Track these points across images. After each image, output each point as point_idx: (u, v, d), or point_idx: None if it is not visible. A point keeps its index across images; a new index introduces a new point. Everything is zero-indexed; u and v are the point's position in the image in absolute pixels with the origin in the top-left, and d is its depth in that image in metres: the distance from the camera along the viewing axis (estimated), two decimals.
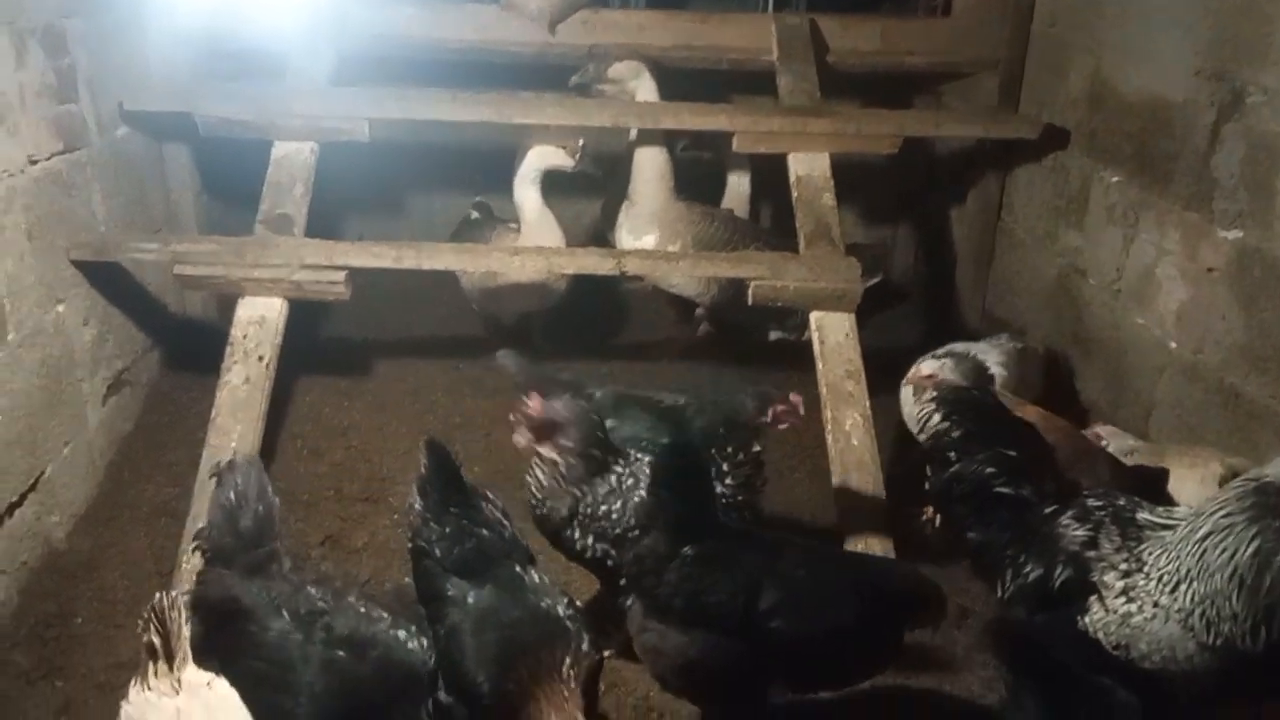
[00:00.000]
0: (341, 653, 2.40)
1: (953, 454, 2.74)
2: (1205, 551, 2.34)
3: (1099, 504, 2.59)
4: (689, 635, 2.64)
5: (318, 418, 4.55)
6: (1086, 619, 2.51)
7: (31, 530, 3.54)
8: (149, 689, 2.12)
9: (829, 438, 3.96)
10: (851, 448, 3.91)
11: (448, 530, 2.75)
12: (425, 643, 2.55)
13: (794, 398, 3.20)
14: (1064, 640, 2.48)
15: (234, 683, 2.38)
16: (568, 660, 2.45)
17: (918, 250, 5.98)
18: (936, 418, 2.78)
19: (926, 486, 2.84)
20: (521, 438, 3.06)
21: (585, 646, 2.53)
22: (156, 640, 2.12)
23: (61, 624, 3.40)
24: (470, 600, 2.62)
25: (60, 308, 3.81)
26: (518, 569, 2.70)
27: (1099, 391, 4.30)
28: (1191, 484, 3.29)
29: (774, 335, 5.29)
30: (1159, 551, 2.42)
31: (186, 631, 2.13)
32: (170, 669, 2.11)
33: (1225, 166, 3.64)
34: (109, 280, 4.18)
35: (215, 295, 4.85)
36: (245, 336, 3.98)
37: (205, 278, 4.04)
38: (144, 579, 3.60)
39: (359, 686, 2.38)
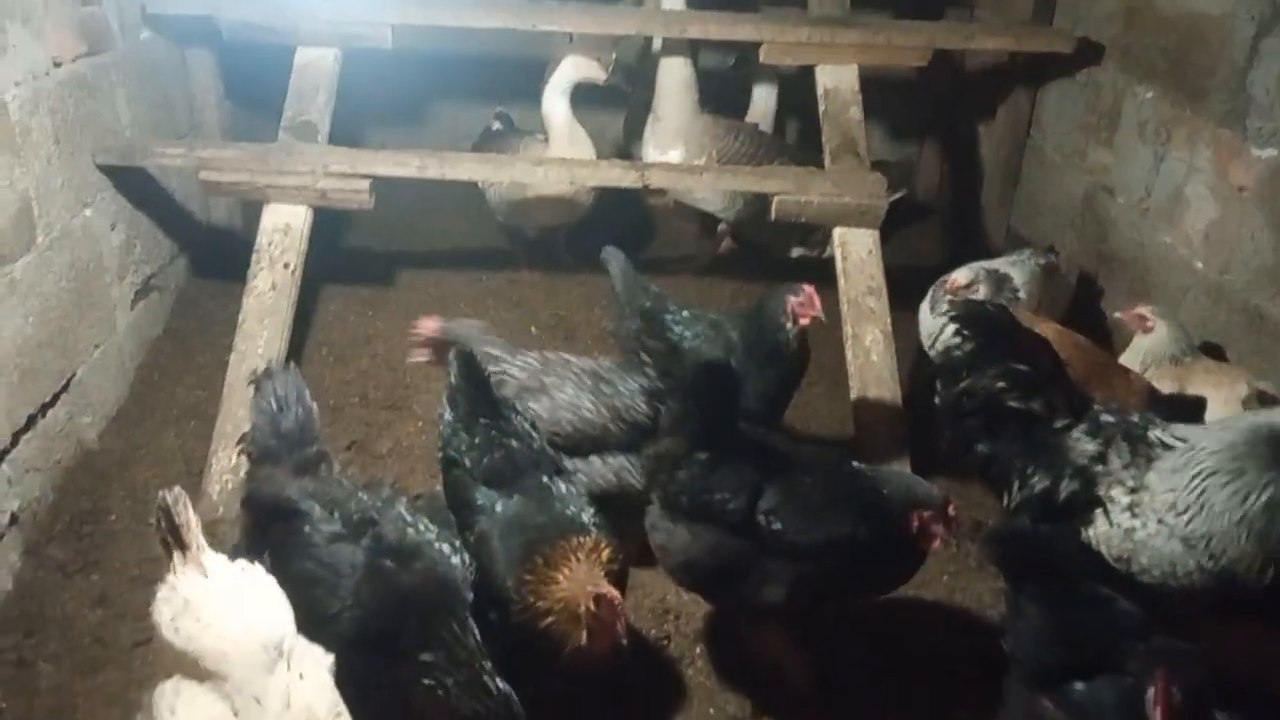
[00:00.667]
0: (388, 561, 2.45)
1: (964, 369, 2.75)
2: (1214, 490, 2.37)
3: (1111, 419, 2.61)
4: (693, 532, 2.73)
5: (343, 326, 4.60)
6: (1090, 531, 2.55)
7: (64, 430, 3.63)
8: (176, 578, 2.16)
9: (849, 353, 3.98)
10: (871, 364, 3.93)
11: (477, 440, 2.79)
12: (467, 559, 2.59)
13: (807, 288, 3.26)
14: (1065, 551, 2.52)
15: (283, 581, 2.42)
16: (586, 542, 2.51)
17: (943, 167, 5.91)
18: (950, 331, 2.78)
19: (936, 400, 2.86)
20: (420, 356, 3.30)
21: (608, 537, 2.58)
22: (169, 537, 2.16)
23: (96, 521, 3.50)
24: (499, 509, 2.67)
25: (88, 212, 3.84)
26: (545, 479, 2.74)
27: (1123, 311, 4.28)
28: (1217, 404, 3.30)
29: (796, 253, 5.28)
30: (1169, 472, 2.44)
31: (195, 521, 2.17)
32: (186, 556, 2.15)
33: (1262, 83, 3.56)
34: (135, 186, 4.20)
35: (240, 202, 4.88)
36: (271, 244, 4.01)
37: (230, 184, 4.06)
38: (175, 478, 3.68)
39: (402, 595, 2.41)
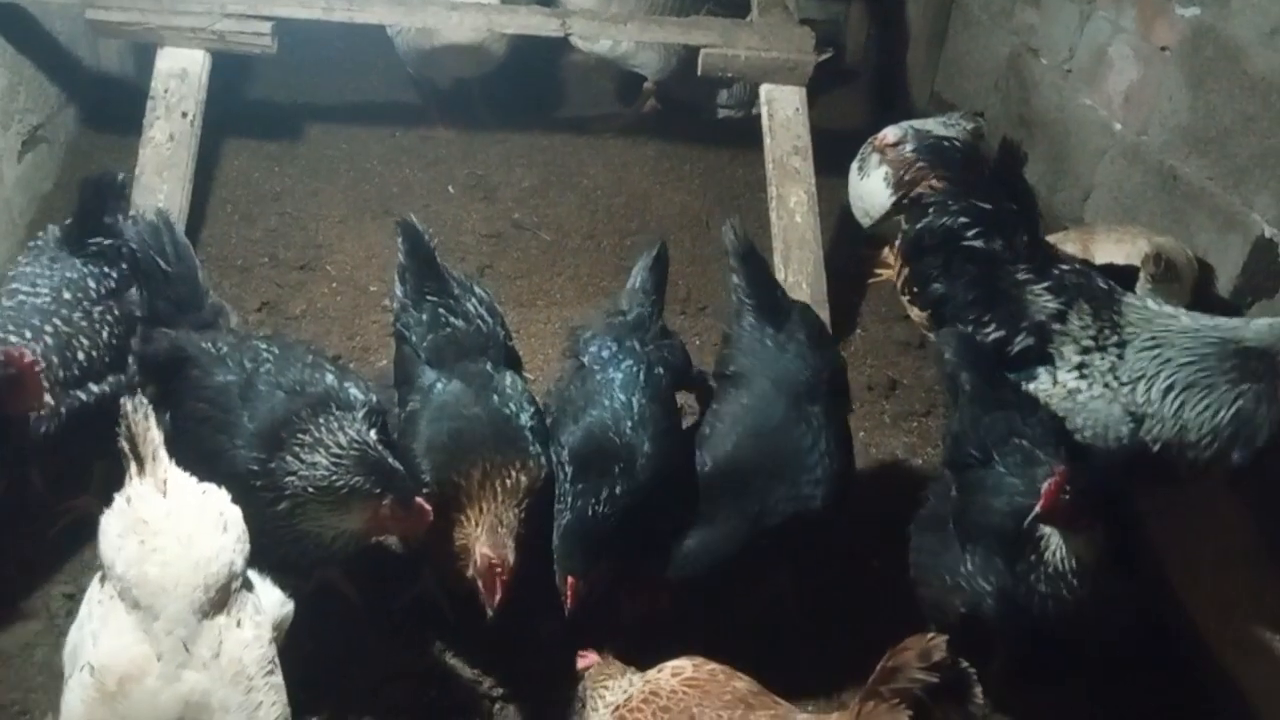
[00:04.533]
0: (281, 394, 2.40)
1: (929, 205, 2.74)
2: (1189, 404, 2.44)
3: (1076, 280, 2.62)
4: None
5: (248, 182, 4.38)
6: (1033, 385, 2.60)
7: None
8: (132, 492, 2.03)
9: (772, 215, 3.95)
10: (795, 225, 3.90)
11: (424, 317, 2.71)
12: (368, 387, 2.57)
13: None
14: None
15: (178, 424, 2.42)
16: (514, 469, 2.45)
17: (869, 29, 5.80)
18: (920, 165, 2.75)
19: (890, 249, 2.85)
20: None
21: (537, 459, 2.51)
22: (126, 445, 2.04)
23: None
24: (436, 389, 2.60)
25: None
26: (489, 367, 2.66)
27: (1040, 175, 4.31)
28: (1119, 261, 3.36)
29: (722, 113, 5.17)
30: (1130, 346, 2.49)
31: (156, 434, 2.05)
32: (144, 470, 2.03)
33: None
34: (16, 26, 3.89)
35: (133, 47, 4.56)
36: (167, 91, 3.78)
37: (120, 24, 3.78)
38: None
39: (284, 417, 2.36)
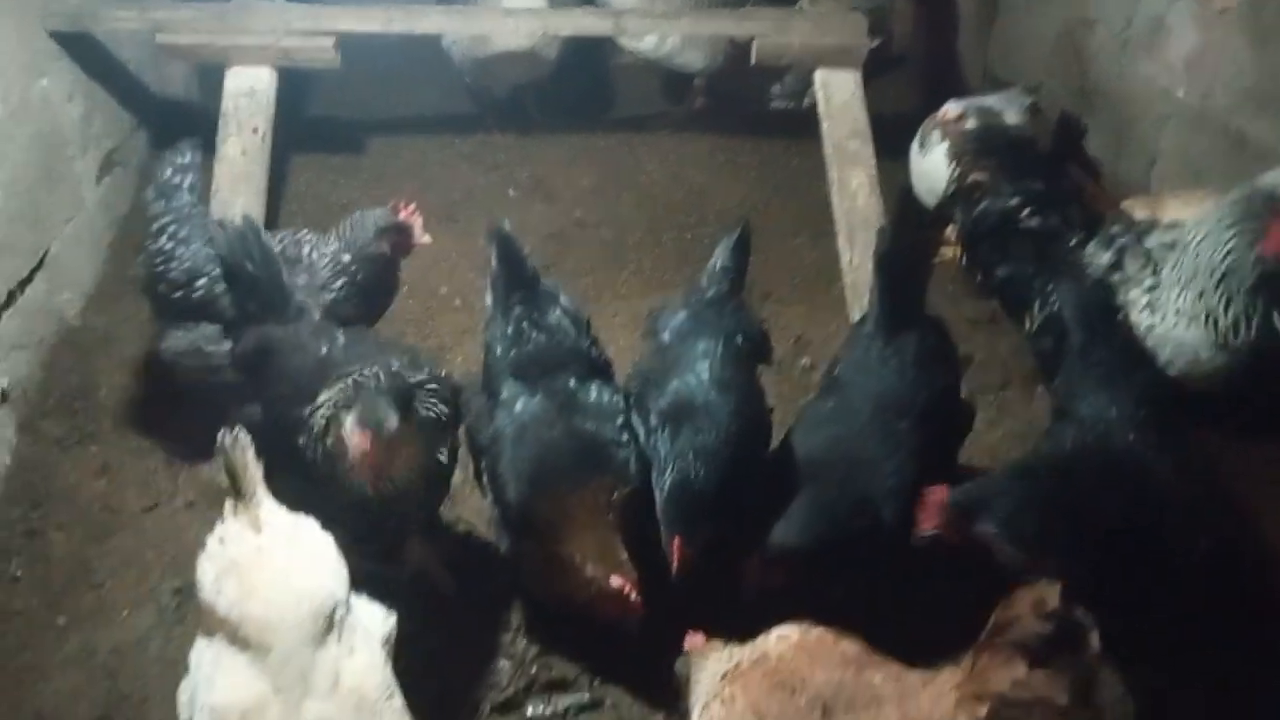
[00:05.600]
0: (355, 363, 2.44)
1: (980, 192, 2.76)
2: (1198, 255, 2.46)
3: (1121, 228, 2.64)
4: None
5: (316, 195, 4.49)
6: None
7: (44, 307, 3.56)
8: (225, 532, 2.04)
9: (834, 199, 3.97)
10: (857, 208, 3.92)
11: (509, 330, 2.72)
12: (442, 371, 2.62)
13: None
14: None
15: (266, 409, 2.52)
16: (603, 490, 2.45)
17: (917, 11, 5.79)
18: (968, 155, 2.78)
19: (953, 227, 2.87)
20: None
21: (625, 471, 2.51)
22: (226, 480, 2.05)
23: (86, 396, 3.47)
24: (518, 407, 2.60)
25: (44, 81, 3.68)
26: (573, 383, 2.64)
27: (1102, 146, 4.27)
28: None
29: (777, 104, 5.19)
30: (1172, 262, 2.50)
31: (256, 468, 2.06)
32: (243, 505, 2.04)
33: None
34: (89, 55, 4.02)
35: (197, 72, 4.69)
36: (237, 108, 3.89)
37: (189, 46, 3.91)
38: None
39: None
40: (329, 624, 1.95)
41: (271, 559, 1.99)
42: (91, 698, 2.46)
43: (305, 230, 3.24)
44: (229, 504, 2.04)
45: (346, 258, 3.10)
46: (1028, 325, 2.77)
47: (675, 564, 2.36)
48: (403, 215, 3.17)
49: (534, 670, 2.53)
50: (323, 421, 2.36)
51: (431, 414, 2.47)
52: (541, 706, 2.45)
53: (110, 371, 3.56)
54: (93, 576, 2.84)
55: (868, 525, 2.46)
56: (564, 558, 2.40)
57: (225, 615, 1.93)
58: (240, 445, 2.04)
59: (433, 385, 2.51)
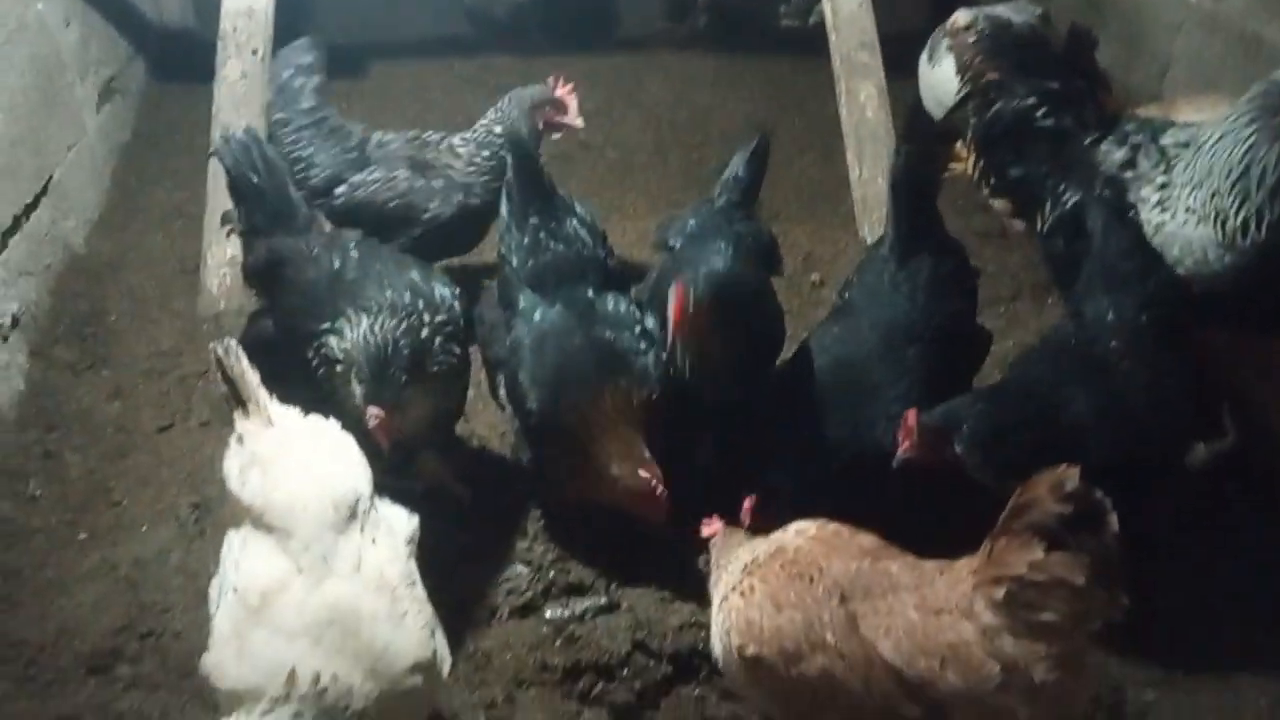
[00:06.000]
0: (369, 281, 2.47)
1: (992, 93, 2.71)
2: (1214, 154, 2.41)
3: (1136, 125, 2.60)
4: None
5: None
6: None
7: (50, 234, 3.54)
8: (242, 431, 2.07)
9: (842, 112, 3.91)
10: (866, 120, 3.86)
11: (525, 240, 2.68)
12: (456, 291, 2.60)
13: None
14: None
15: (278, 321, 2.54)
16: (625, 394, 2.45)
17: None
18: (980, 55, 2.72)
19: (968, 131, 2.83)
20: None
21: (646, 375, 2.50)
22: (225, 389, 2.09)
23: (97, 322, 3.46)
24: (537, 317, 2.58)
25: (40, 5, 3.63)
26: (590, 292, 2.62)
27: (1113, 56, 4.21)
28: None
29: (785, 23, 5.11)
30: (1186, 160, 2.46)
31: (252, 373, 2.08)
32: (248, 411, 2.07)
33: None
34: None
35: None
36: (235, 29, 3.80)
37: None
38: (170, 277, 3.65)
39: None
40: (351, 513, 1.97)
41: (291, 451, 2.02)
42: (114, 609, 2.48)
43: (429, 130, 3.36)
44: (238, 411, 2.08)
45: (498, 130, 3.20)
46: (1039, 226, 2.74)
47: (676, 308, 2.34)
48: (559, 91, 3.24)
49: (551, 575, 2.54)
50: (335, 367, 2.37)
51: (444, 366, 2.47)
52: (559, 610, 2.47)
53: (119, 298, 3.56)
54: (111, 495, 2.85)
55: (869, 450, 2.44)
56: (590, 460, 2.42)
57: (250, 504, 1.97)
58: (234, 352, 2.08)
59: (447, 326, 2.49)
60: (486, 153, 3.23)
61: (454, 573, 2.52)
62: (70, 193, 3.68)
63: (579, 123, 3.28)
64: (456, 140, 3.29)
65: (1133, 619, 1.82)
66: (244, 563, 1.92)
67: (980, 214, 3.91)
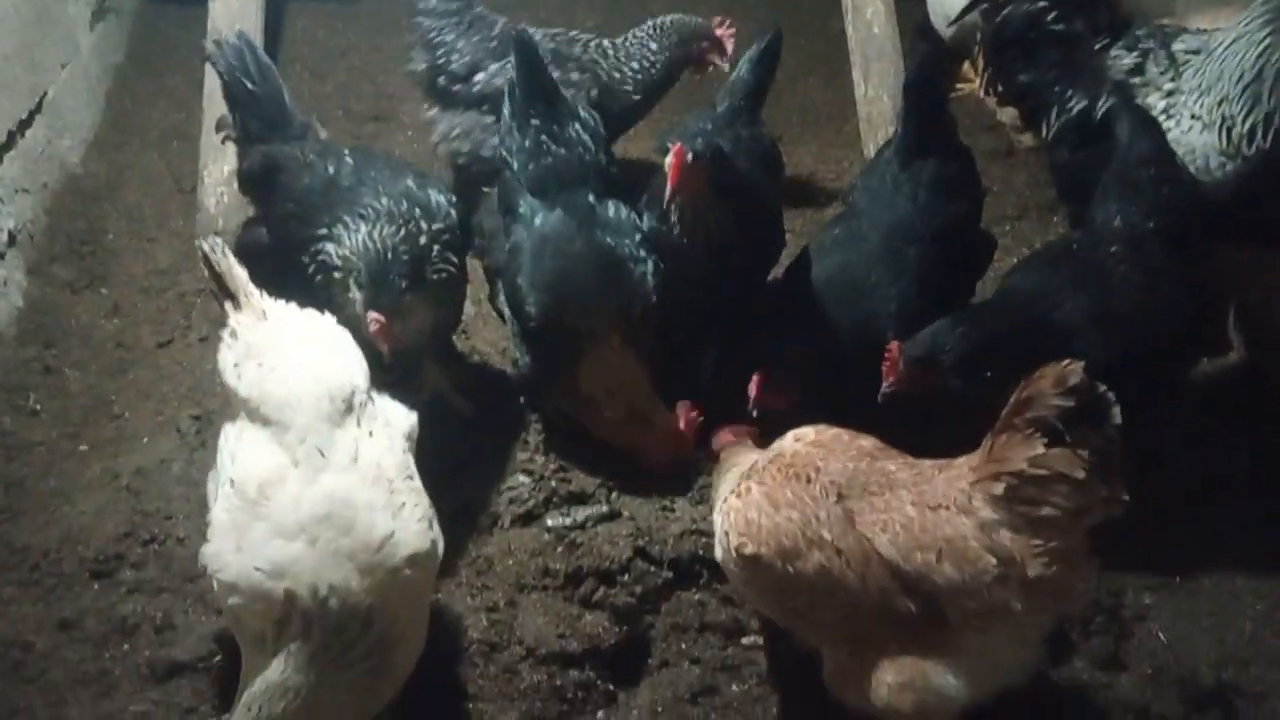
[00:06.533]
0: (365, 188, 2.46)
1: None
2: (1226, 59, 2.37)
3: (1147, 30, 2.56)
4: None
5: (313, 40, 4.39)
6: None
7: (46, 153, 3.51)
8: (234, 324, 2.07)
9: (849, 28, 3.86)
10: (873, 36, 3.80)
11: (526, 143, 2.63)
12: (452, 199, 2.59)
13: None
14: None
15: (271, 226, 2.54)
16: (625, 304, 2.45)
17: None
18: None
19: (968, 63, 2.79)
20: None
21: (648, 291, 2.50)
22: (214, 285, 2.09)
23: (94, 240, 3.45)
24: (537, 221, 2.55)
25: None
26: (591, 198, 2.59)
27: None
28: None
29: None
30: (1195, 65, 2.42)
31: (239, 269, 2.08)
32: (239, 303, 2.07)
33: None
34: None
35: None
36: None
37: None
38: (167, 197, 3.63)
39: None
40: (348, 407, 1.97)
41: (285, 342, 2.02)
42: (116, 516, 2.50)
43: (576, 30, 3.42)
44: (228, 304, 2.08)
45: (654, 45, 3.29)
46: (1044, 133, 2.71)
47: (674, 165, 2.35)
48: (720, 31, 3.35)
49: (553, 484, 2.55)
50: (334, 274, 2.37)
51: (443, 273, 2.46)
52: (561, 518, 2.48)
53: (116, 217, 3.54)
54: (111, 408, 2.86)
55: (869, 348, 2.43)
56: (589, 368, 2.43)
57: (246, 396, 1.96)
58: (219, 248, 2.09)
59: (444, 234, 2.48)
60: (635, 64, 3.30)
61: (456, 481, 2.55)
62: (65, 112, 3.64)
63: (726, 66, 3.31)
64: (606, 42, 3.35)
65: (1132, 523, 1.83)
66: (240, 454, 1.92)
67: (987, 133, 3.87)
